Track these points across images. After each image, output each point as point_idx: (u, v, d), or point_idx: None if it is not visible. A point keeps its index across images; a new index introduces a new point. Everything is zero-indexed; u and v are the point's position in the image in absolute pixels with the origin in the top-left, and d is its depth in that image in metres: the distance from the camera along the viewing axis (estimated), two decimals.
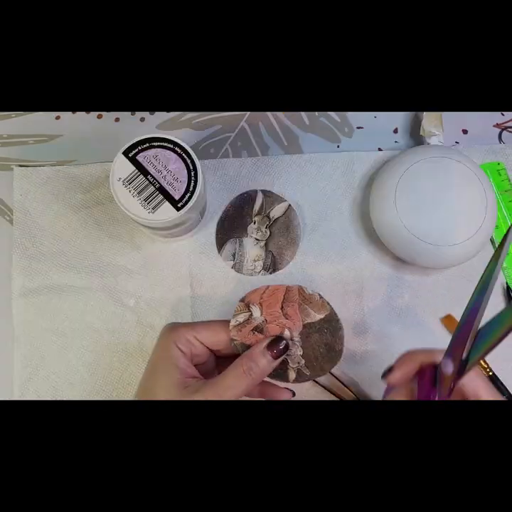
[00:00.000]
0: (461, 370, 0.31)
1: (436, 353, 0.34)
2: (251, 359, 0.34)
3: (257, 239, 0.47)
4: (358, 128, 0.52)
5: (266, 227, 0.47)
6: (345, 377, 0.47)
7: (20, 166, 0.49)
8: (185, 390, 0.33)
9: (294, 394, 0.39)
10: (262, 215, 0.47)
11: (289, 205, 0.48)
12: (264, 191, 0.48)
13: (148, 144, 0.39)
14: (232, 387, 0.33)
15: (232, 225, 0.47)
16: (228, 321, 0.36)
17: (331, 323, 0.36)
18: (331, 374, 0.46)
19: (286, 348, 0.35)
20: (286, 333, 0.36)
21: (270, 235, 0.47)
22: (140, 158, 0.39)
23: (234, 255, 0.47)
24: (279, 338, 0.35)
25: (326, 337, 0.36)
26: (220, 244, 0.47)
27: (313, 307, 0.36)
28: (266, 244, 0.47)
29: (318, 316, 0.36)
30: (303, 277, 0.48)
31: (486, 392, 0.33)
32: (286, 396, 0.39)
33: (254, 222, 0.47)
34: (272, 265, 0.47)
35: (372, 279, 0.48)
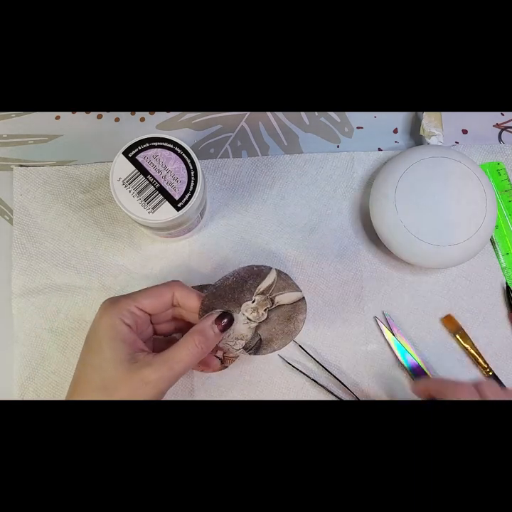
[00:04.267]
0: None
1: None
2: (202, 333, 0.36)
3: (249, 319, 0.39)
4: (358, 128, 0.52)
5: (265, 310, 0.39)
6: (345, 377, 0.47)
7: (20, 166, 0.49)
8: (135, 365, 0.34)
9: (222, 362, 0.41)
10: (265, 295, 0.39)
11: (303, 297, 0.39)
12: (279, 272, 0.39)
13: (148, 144, 0.39)
14: (184, 360, 0.34)
15: (225, 296, 0.39)
16: (165, 285, 0.38)
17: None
18: (331, 374, 0.46)
19: (231, 322, 0.38)
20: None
21: (266, 319, 0.39)
22: (140, 158, 0.39)
23: None
24: (225, 313, 0.38)
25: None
26: (205, 311, 0.38)
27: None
28: (257, 327, 0.39)
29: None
30: (303, 277, 0.48)
31: None
32: (215, 362, 0.41)
33: (253, 301, 0.39)
34: (255, 349, 0.39)
35: (372, 279, 0.49)
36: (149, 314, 0.38)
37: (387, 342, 0.47)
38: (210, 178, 0.50)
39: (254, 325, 0.39)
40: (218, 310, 0.38)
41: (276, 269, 0.39)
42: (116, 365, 0.33)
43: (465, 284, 0.49)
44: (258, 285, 0.39)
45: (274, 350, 0.39)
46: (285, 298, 0.39)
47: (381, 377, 0.47)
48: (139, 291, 0.37)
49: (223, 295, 0.39)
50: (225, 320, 0.37)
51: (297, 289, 0.39)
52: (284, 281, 0.39)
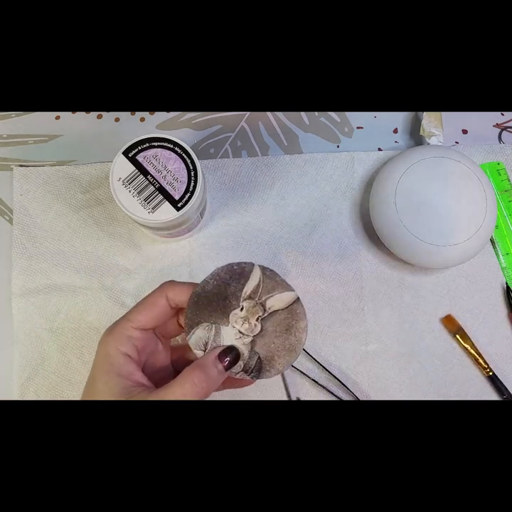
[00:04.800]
0: None
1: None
2: (203, 370, 0.31)
3: (241, 332, 0.34)
4: (358, 128, 0.52)
5: (257, 320, 0.34)
6: (345, 377, 0.47)
7: (20, 166, 0.49)
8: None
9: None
10: (254, 300, 0.34)
11: (297, 297, 0.34)
12: (264, 268, 0.34)
13: (148, 144, 0.39)
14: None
15: (209, 304, 0.34)
16: (159, 292, 0.34)
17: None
18: (331, 374, 0.46)
19: (237, 358, 0.33)
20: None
21: (261, 331, 0.34)
22: (140, 158, 0.39)
23: (206, 345, 0.34)
24: (230, 348, 0.33)
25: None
26: (190, 326, 0.34)
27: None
28: (252, 342, 0.34)
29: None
30: (303, 277, 0.48)
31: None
32: (247, 383, 0.36)
33: (242, 309, 0.34)
34: (257, 370, 0.34)
35: (372, 279, 0.48)
36: (153, 329, 0.35)
37: None
38: (210, 178, 0.50)
39: (248, 340, 0.34)
40: (222, 345, 0.33)
41: (259, 266, 0.34)
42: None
43: (465, 284, 0.49)
44: (243, 288, 0.34)
45: (279, 372, 0.34)
46: (277, 301, 0.34)
47: (381, 377, 0.47)
48: (133, 308, 0.34)
49: (206, 304, 0.34)
50: (230, 356, 0.33)
51: (288, 287, 0.34)
52: (271, 279, 0.34)
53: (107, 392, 0.31)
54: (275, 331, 0.34)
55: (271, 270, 0.34)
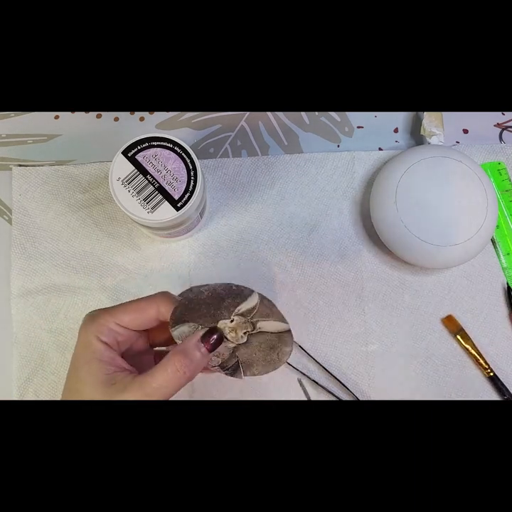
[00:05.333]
0: None
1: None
2: (185, 354, 0.31)
3: (226, 338, 0.33)
4: (359, 127, 0.52)
5: (244, 333, 0.33)
6: (345, 377, 0.47)
7: (19, 165, 0.49)
8: (113, 387, 0.31)
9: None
10: (246, 318, 0.33)
11: (289, 329, 0.34)
12: (263, 298, 0.33)
13: (147, 144, 0.39)
14: (162, 386, 0.30)
15: (199, 310, 0.33)
16: (152, 297, 0.34)
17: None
18: (331, 374, 0.46)
19: (221, 339, 0.33)
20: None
21: (246, 343, 0.34)
22: (139, 157, 0.38)
23: None
24: (213, 329, 0.33)
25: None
26: (176, 321, 0.33)
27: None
28: (235, 348, 0.34)
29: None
30: (303, 278, 0.48)
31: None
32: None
33: (232, 321, 0.33)
34: (232, 370, 0.34)
35: (373, 279, 0.48)
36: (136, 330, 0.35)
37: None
38: (209, 177, 0.50)
39: (231, 345, 0.33)
40: (205, 327, 0.33)
41: (259, 294, 0.33)
42: (91, 389, 0.31)
43: (466, 284, 0.49)
44: (237, 306, 0.33)
45: (254, 375, 0.34)
46: (269, 326, 0.33)
47: (381, 378, 0.47)
48: (121, 305, 0.34)
49: (197, 309, 0.33)
50: (214, 337, 0.32)
51: (283, 320, 0.33)
52: (268, 308, 0.33)
53: (90, 379, 0.31)
54: (260, 345, 0.34)
55: (269, 301, 0.33)
